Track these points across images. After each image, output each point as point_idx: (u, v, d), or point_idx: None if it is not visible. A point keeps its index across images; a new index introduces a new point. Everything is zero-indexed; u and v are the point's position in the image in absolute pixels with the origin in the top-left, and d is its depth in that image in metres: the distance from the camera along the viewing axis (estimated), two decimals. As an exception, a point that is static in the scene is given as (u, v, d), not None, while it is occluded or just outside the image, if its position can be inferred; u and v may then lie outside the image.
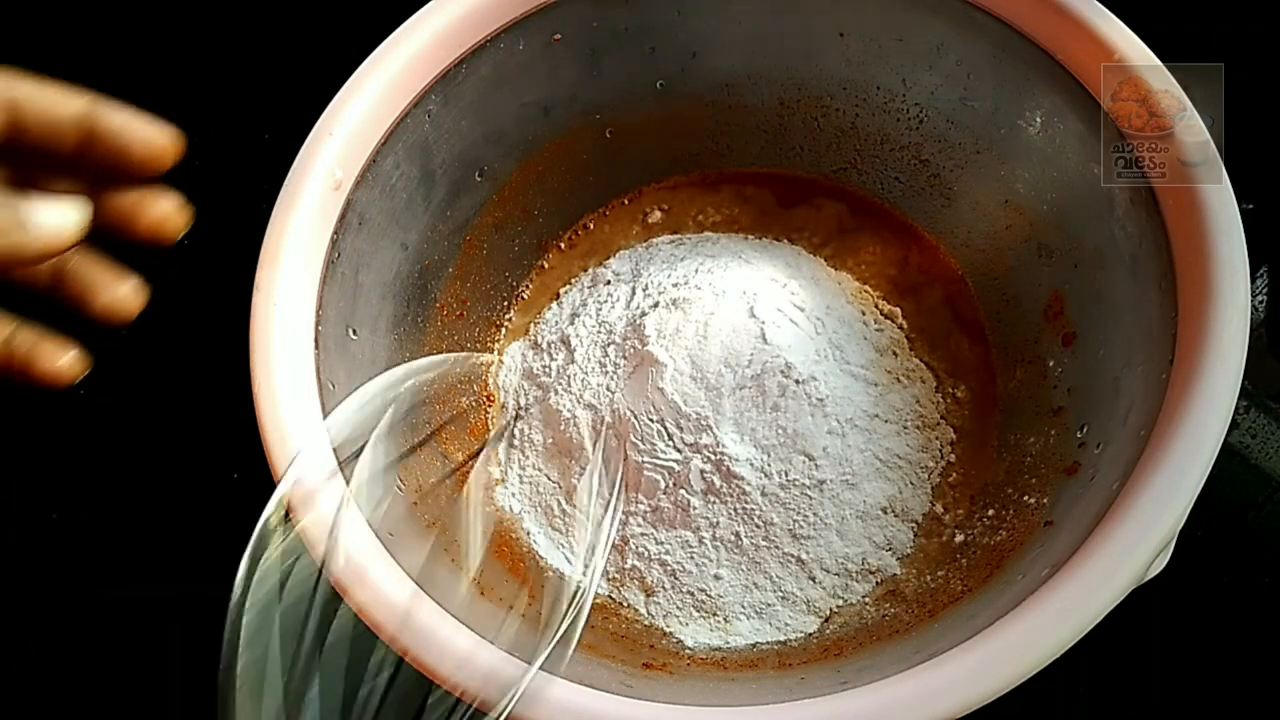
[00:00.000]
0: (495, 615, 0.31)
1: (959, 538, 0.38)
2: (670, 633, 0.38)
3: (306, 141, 0.35)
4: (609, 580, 0.39)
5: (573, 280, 0.46)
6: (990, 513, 0.37)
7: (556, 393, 0.41)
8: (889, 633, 0.34)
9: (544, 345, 0.44)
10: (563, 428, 0.40)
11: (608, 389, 0.40)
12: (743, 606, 0.38)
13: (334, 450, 0.31)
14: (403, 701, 0.28)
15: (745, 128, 0.45)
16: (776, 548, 0.38)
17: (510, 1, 0.37)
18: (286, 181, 0.34)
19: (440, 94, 0.37)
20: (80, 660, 0.45)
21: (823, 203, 0.46)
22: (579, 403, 0.40)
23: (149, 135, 0.28)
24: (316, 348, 0.33)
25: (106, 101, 0.27)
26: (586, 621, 0.30)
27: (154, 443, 0.48)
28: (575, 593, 0.31)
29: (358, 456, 0.32)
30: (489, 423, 0.43)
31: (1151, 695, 0.41)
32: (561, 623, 0.29)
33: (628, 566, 0.39)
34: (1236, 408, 0.28)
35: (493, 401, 0.44)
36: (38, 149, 0.27)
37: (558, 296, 0.46)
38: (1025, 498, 0.36)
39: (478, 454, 0.42)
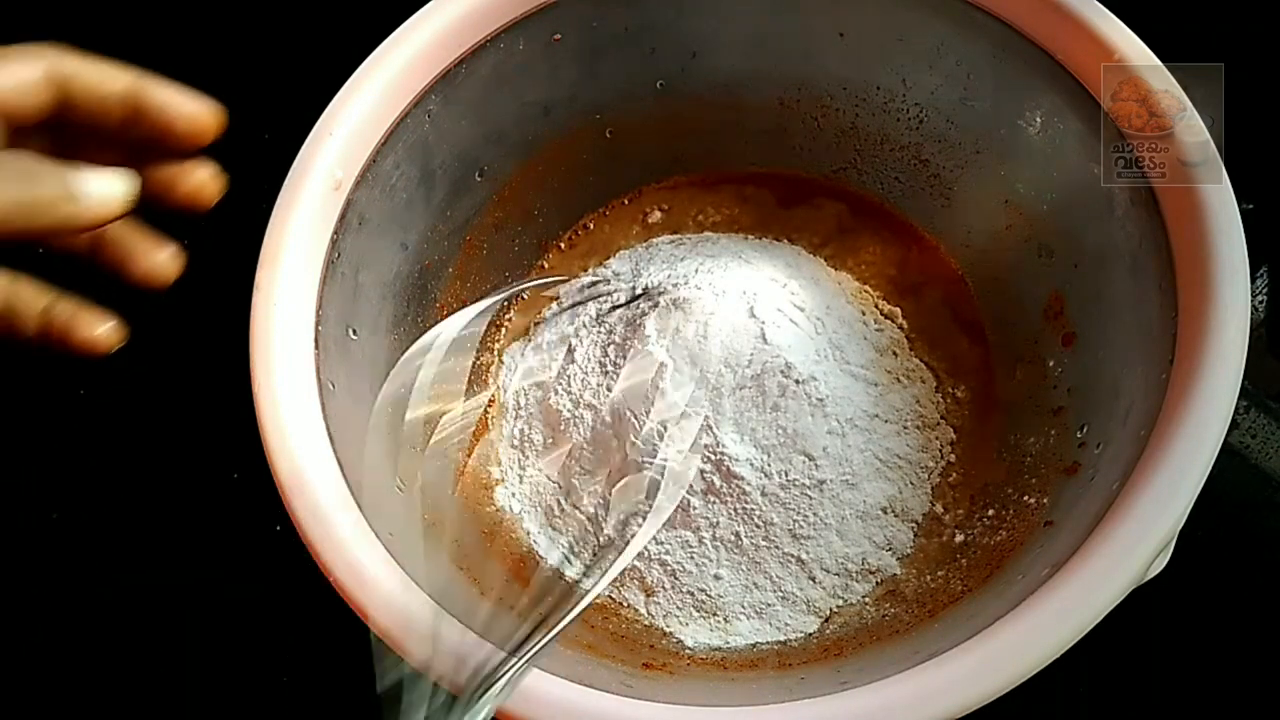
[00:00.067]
0: (495, 615, 0.31)
1: (959, 538, 0.38)
2: (670, 633, 0.38)
3: (306, 141, 0.35)
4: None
5: (573, 280, 0.46)
6: (990, 513, 0.37)
7: (556, 393, 0.41)
8: (889, 633, 0.34)
9: (544, 345, 0.44)
10: (563, 428, 0.40)
11: (608, 389, 0.40)
12: (743, 606, 0.38)
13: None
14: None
15: (745, 128, 0.45)
16: (776, 548, 0.38)
17: (510, 1, 0.37)
18: (286, 181, 0.34)
19: (440, 94, 0.37)
20: (79, 661, 0.45)
21: (823, 203, 0.46)
22: (579, 403, 0.40)
23: (193, 110, 0.29)
24: (316, 348, 0.33)
25: (151, 77, 0.28)
26: (582, 620, 0.30)
27: (154, 443, 0.48)
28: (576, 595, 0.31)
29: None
30: (489, 423, 0.43)
31: (1151, 695, 0.41)
32: (557, 620, 0.29)
33: (628, 566, 0.39)
34: (1236, 408, 0.28)
35: (493, 401, 0.44)
36: (85, 123, 0.28)
37: (558, 296, 0.46)
38: (1025, 498, 0.36)
39: (478, 454, 0.42)
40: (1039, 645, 0.26)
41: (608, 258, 0.46)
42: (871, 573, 0.38)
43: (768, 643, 0.37)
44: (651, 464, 0.38)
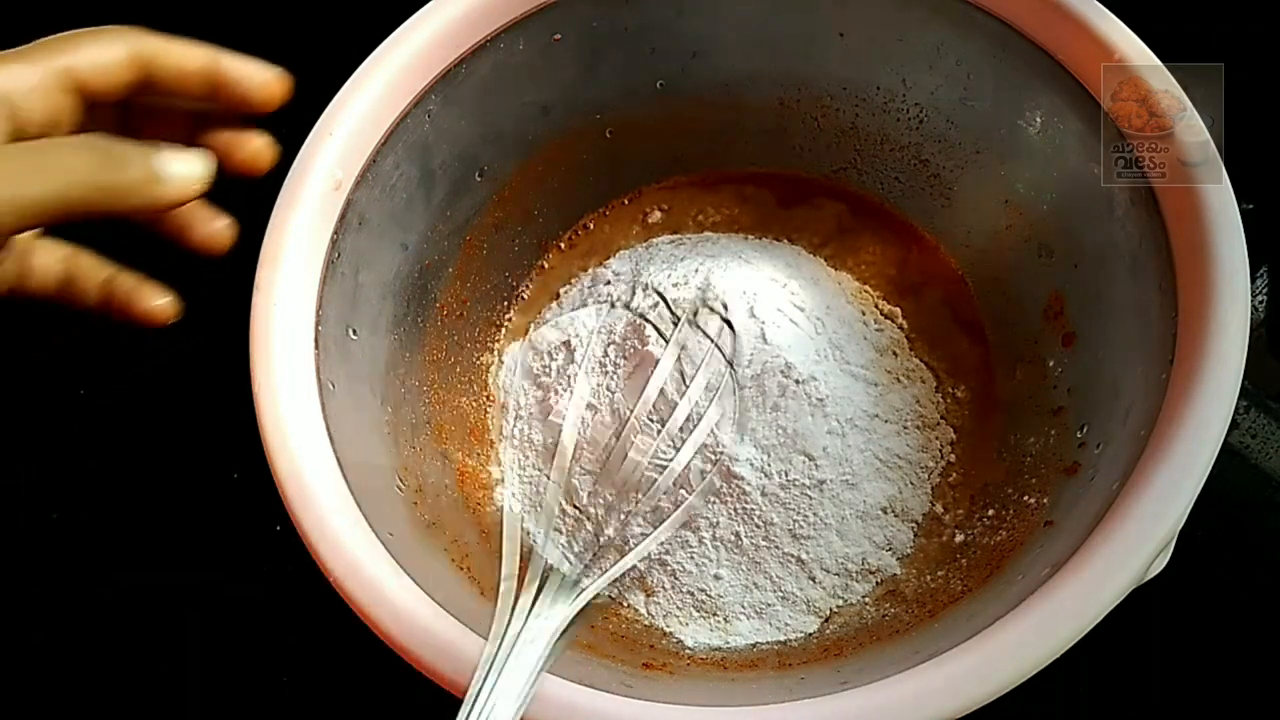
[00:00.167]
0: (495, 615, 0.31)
1: (959, 538, 0.38)
2: (670, 633, 0.38)
3: (306, 141, 0.35)
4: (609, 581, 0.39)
5: (573, 280, 0.46)
6: (990, 513, 0.37)
7: (556, 393, 0.41)
8: (889, 633, 0.34)
9: (544, 345, 0.44)
10: (563, 428, 0.40)
11: (608, 389, 0.40)
12: (743, 606, 0.38)
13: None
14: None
15: (745, 128, 0.45)
16: (776, 548, 0.38)
17: (510, 1, 0.37)
18: (286, 181, 0.34)
19: (440, 94, 0.37)
20: (79, 661, 0.45)
21: (823, 203, 0.46)
22: (579, 403, 0.40)
23: (265, 77, 0.31)
24: (316, 348, 0.33)
25: (223, 50, 0.30)
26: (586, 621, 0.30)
27: (154, 443, 0.48)
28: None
29: None
30: (489, 422, 0.43)
31: (1151, 695, 0.41)
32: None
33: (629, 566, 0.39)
34: (1236, 408, 0.28)
35: (493, 401, 0.44)
36: (164, 98, 0.30)
37: (558, 296, 0.46)
38: (1025, 498, 0.36)
39: (477, 454, 0.42)
40: (1039, 645, 0.26)
41: (608, 258, 0.46)
42: (871, 573, 0.38)
43: (768, 643, 0.37)
44: (652, 464, 0.38)
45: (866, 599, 0.38)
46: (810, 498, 0.38)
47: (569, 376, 0.41)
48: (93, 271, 0.32)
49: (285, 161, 0.35)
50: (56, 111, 0.28)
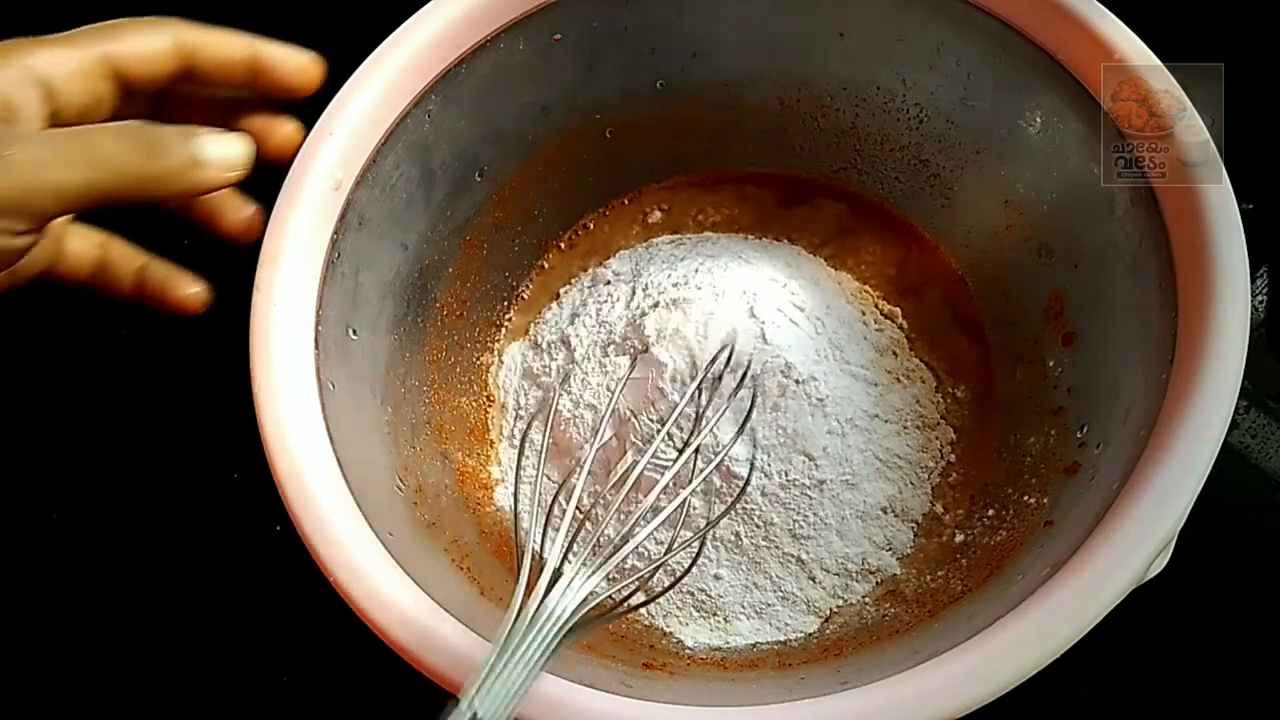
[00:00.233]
0: (495, 615, 0.31)
1: (959, 538, 0.38)
2: (670, 633, 0.38)
3: (306, 141, 0.35)
4: (609, 580, 0.39)
5: (573, 280, 0.46)
6: (990, 513, 0.37)
7: (556, 392, 0.41)
8: (889, 633, 0.34)
9: (544, 345, 0.44)
10: (563, 428, 0.40)
11: (608, 389, 0.40)
12: (743, 606, 0.38)
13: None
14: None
15: (745, 128, 0.45)
16: (776, 548, 0.38)
17: (510, 1, 0.37)
18: (286, 181, 0.34)
19: (440, 94, 0.37)
20: (79, 661, 0.45)
21: (823, 203, 0.46)
22: (579, 403, 0.40)
23: (302, 62, 0.32)
24: (316, 348, 0.33)
25: (258, 37, 0.31)
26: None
27: (154, 443, 0.48)
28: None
29: None
30: (489, 422, 0.43)
31: (1151, 695, 0.41)
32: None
33: (628, 566, 0.39)
34: (1236, 408, 0.28)
35: (493, 401, 0.44)
36: (206, 86, 0.30)
37: (558, 296, 0.46)
38: (1025, 498, 0.36)
39: (477, 454, 0.42)
40: (1039, 645, 0.26)
41: (608, 258, 0.46)
42: (871, 573, 0.38)
43: (768, 643, 0.37)
44: (652, 464, 0.38)
45: (866, 599, 0.38)
46: (810, 498, 0.38)
47: (569, 376, 0.41)
48: (126, 259, 0.32)
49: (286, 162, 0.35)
50: (95, 97, 0.28)
